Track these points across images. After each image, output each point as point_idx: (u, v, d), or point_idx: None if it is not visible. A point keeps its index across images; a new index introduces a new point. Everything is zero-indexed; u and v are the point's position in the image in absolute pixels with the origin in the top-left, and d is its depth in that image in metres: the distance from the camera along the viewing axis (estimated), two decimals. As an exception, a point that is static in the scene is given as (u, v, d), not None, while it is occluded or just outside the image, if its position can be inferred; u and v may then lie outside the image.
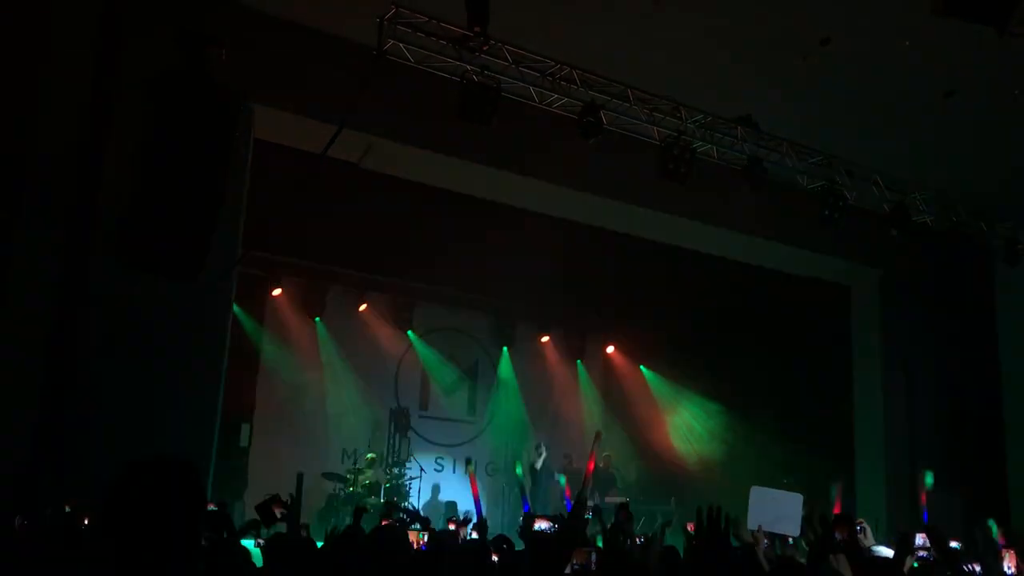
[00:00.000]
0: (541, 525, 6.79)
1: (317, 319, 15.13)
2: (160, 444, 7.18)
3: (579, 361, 18.06)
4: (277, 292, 14.73)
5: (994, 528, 8.89)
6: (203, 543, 2.03)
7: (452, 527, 8.22)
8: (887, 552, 3.94)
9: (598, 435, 7.45)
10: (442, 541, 5.79)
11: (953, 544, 6.51)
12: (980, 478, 13.36)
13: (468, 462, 13.51)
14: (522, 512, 10.36)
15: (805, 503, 6.14)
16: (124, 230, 7.04)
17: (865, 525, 7.64)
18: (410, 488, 14.67)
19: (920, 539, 6.28)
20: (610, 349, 18.32)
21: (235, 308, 14.13)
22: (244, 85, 7.94)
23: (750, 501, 6.52)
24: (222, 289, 8.67)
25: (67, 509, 5.90)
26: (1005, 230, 12.36)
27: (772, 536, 6.52)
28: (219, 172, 7.18)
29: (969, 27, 7.47)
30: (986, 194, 12.07)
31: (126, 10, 8.36)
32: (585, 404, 17.97)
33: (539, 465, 14.97)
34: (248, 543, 6.33)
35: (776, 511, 6.14)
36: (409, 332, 15.99)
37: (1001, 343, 13.89)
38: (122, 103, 8.14)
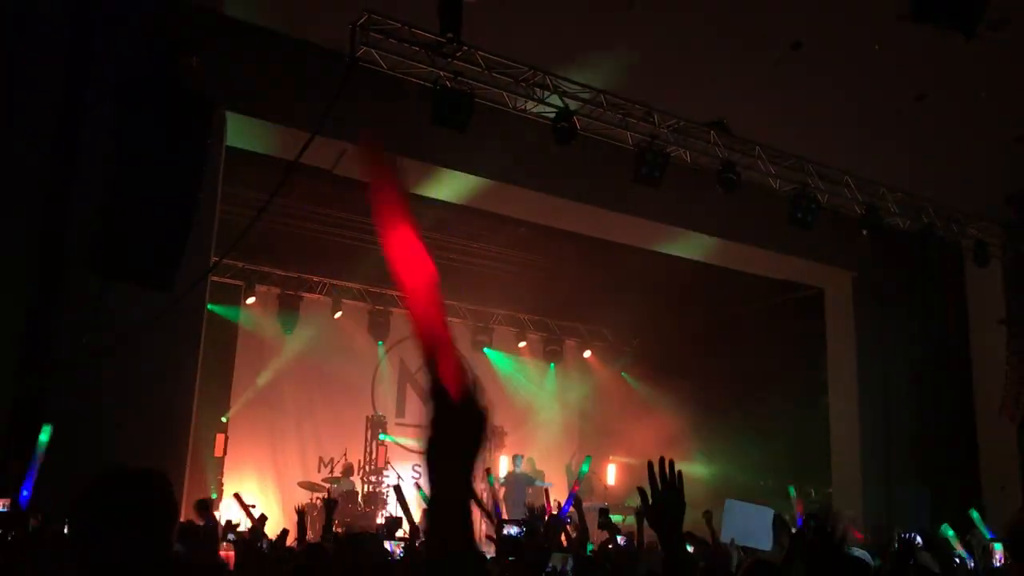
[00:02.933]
0: (511, 530, 6.76)
1: (291, 327, 15.05)
2: (133, 454, 7.10)
3: (552, 365, 18.09)
4: (251, 300, 14.65)
5: (977, 519, 8.97)
6: (175, 555, 1.99)
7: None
8: (861, 554, 3.96)
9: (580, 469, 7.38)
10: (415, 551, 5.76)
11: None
12: (953, 477, 13.50)
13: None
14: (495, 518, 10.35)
15: (776, 517, 6.17)
16: (97, 239, 6.96)
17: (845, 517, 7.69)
18: (388, 496, 14.61)
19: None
20: (587, 354, 18.37)
21: (233, 312, 14.21)
22: (217, 92, 7.89)
23: (724, 513, 6.54)
24: (195, 297, 8.58)
25: (32, 522, 5.81)
26: (975, 232, 12.51)
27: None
28: (192, 180, 7.12)
29: (939, 31, 7.58)
30: (956, 196, 12.22)
31: (98, 17, 8.28)
32: (562, 409, 18.00)
33: (516, 471, 15.01)
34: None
35: (748, 524, 6.16)
36: (380, 343, 15.94)
37: (972, 342, 14.07)
38: (94, 110, 8.06)
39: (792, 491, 11.06)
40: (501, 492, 14.95)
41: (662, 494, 2.25)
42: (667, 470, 2.27)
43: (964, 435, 13.79)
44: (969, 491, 12.96)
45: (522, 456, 15.26)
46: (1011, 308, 13.31)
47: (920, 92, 9.97)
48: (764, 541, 5.88)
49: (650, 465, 2.26)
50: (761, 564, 3.29)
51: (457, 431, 1.42)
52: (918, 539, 6.00)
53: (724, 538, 6.45)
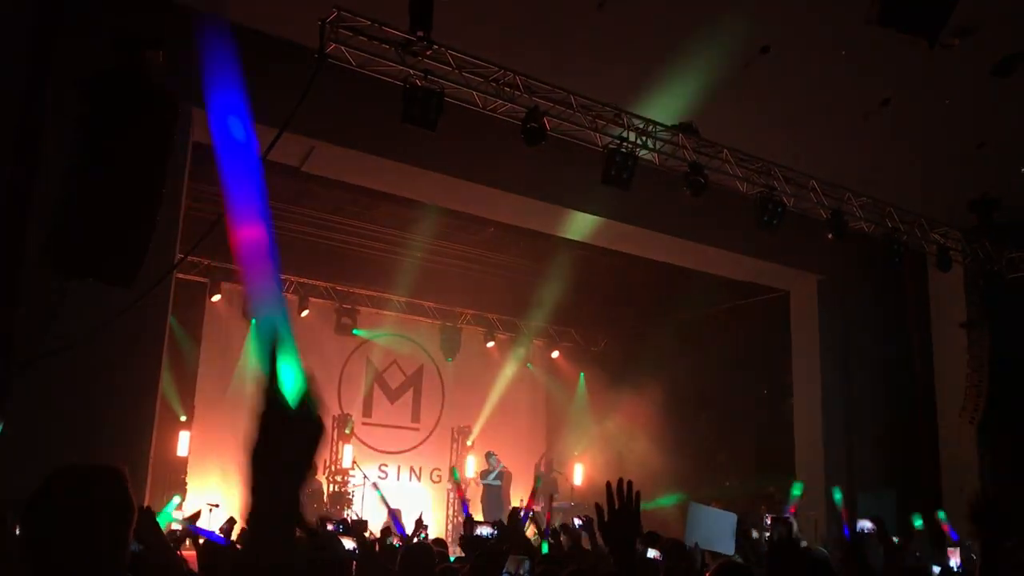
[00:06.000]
0: (482, 531, 6.76)
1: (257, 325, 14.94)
2: (95, 453, 7.00)
3: (529, 365, 18.12)
4: (216, 298, 14.51)
5: (943, 518, 9.08)
6: (132, 552, 1.95)
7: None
8: (819, 552, 3.99)
9: (534, 489, 7.41)
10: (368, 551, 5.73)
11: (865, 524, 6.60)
12: (914, 476, 13.69)
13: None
14: (463, 515, 10.37)
15: (739, 521, 6.23)
16: (58, 234, 6.85)
17: (793, 523, 7.77)
18: (353, 495, 14.55)
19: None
20: (555, 354, 18.41)
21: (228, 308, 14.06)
22: (182, 87, 7.80)
23: (688, 516, 6.58)
24: (159, 295, 8.48)
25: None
26: (938, 237, 12.68)
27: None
28: (156, 176, 7.03)
29: (903, 37, 7.65)
30: (920, 201, 12.37)
31: (60, 11, 8.16)
32: (531, 410, 18.02)
33: (491, 473, 15.02)
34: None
35: (711, 528, 6.21)
36: (355, 331, 15.87)
37: (935, 345, 14.27)
38: (56, 105, 7.94)
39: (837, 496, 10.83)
40: (480, 492, 14.98)
41: (618, 513, 2.30)
42: (625, 490, 2.32)
43: (926, 436, 13.98)
44: (930, 491, 13.15)
45: (495, 454, 15.27)
46: (971, 312, 13.51)
47: (885, 98, 10.09)
48: (727, 545, 5.93)
49: (608, 485, 2.32)
50: (729, 566, 3.30)
51: (289, 440, 1.34)
52: (866, 526, 6.08)
53: (688, 542, 6.49)
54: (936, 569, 6.92)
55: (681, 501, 14.65)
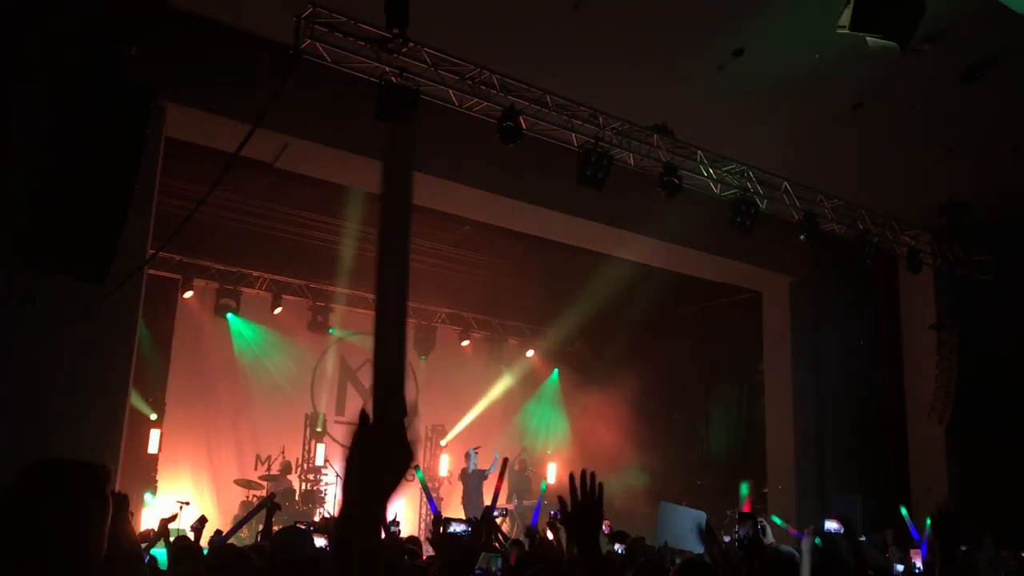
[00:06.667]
0: (456, 528, 6.76)
1: (230, 321, 14.85)
2: (65, 451, 6.92)
3: (503, 365, 18.12)
4: (189, 295, 14.40)
5: (905, 514, 9.18)
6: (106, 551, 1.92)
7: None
8: (789, 550, 4.03)
9: (505, 461, 7.46)
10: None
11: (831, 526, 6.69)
12: (882, 476, 13.84)
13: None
14: (431, 515, 10.36)
15: (708, 521, 6.27)
16: (28, 230, 6.78)
17: (765, 523, 7.84)
18: (326, 494, 14.49)
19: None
20: (529, 353, 18.43)
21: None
22: (156, 82, 7.73)
23: (659, 516, 6.62)
24: (130, 291, 8.40)
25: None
26: (908, 239, 12.83)
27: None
28: (128, 170, 6.97)
29: (876, 41, 7.73)
30: (891, 204, 12.51)
31: (32, 3, 8.06)
32: (504, 409, 18.03)
33: (470, 469, 15.02)
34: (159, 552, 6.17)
35: (681, 527, 6.25)
36: (331, 330, 15.81)
37: (905, 347, 14.43)
38: (26, 98, 7.84)
39: (744, 489, 11.06)
40: (462, 491, 14.97)
41: (581, 504, 2.33)
42: (588, 481, 2.35)
43: (896, 436, 14.14)
44: (899, 492, 13.29)
45: (476, 451, 15.25)
46: (941, 314, 13.69)
47: (857, 102, 10.19)
48: (696, 544, 5.98)
49: (571, 477, 2.34)
50: (693, 563, 3.33)
51: (383, 461, 1.47)
52: (832, 527, 6.15)
53: (658, 541, 6.53)
54: (899, 568, 6.99)
55: (646, 484, 14.75)
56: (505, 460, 7.63)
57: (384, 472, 1.46)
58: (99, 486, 1.92)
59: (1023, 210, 12.53)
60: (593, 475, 2.36)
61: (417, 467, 13.79)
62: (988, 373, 12.71)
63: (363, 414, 1.49)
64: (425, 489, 12.23)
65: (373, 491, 1.45)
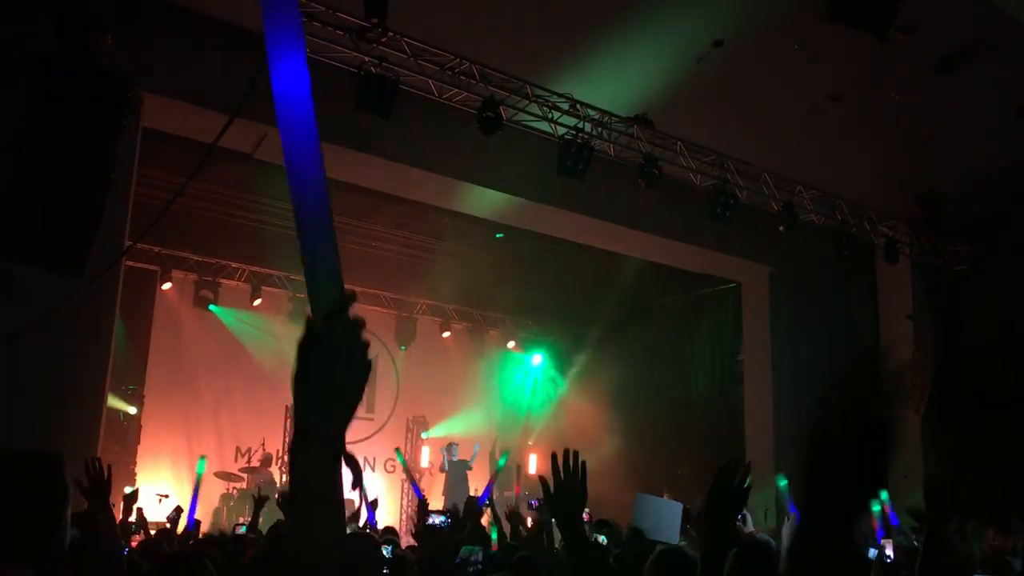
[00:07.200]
0: (435, 519, 6.76)
1: (211, 312, 14.76)
2: (41, 443, 6.88)
3: (483, 355, 18.12)
4: (167, 286, 14.31)
5: (885, 500, 9.21)
6: (69, 544, 1.91)
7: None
8: (767, 539, 4.07)
9: (519, 468, 7.45)
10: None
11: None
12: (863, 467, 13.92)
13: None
14: (414, 503, 10.36)
15: (685, 512, 6.32)
16: (3, 220, 6.72)
17: (745, 513, 7.90)
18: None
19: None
20: (511, 344, 18.44)
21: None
22: (133, 72, 7.66)
23: (635, 506, 6.65)
24: (108, 282, 8.34)
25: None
26: (886, 230, 12.93)
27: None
28: (104, 161, 6.93)
29: (854, 33, 7.78)
30: (869, 194, 12.60)
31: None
32: (485, 399, 18.03)
33: (452, 459, 15.01)
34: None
35: (658, 518, 6.29)
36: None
37: (882, 336, 14.54)
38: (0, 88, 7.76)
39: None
40: (444, 482, 14.97)
41: (564, 483, 2.31)
42: (571, 461, 2.33)
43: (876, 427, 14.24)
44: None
45: (457, 445, 15.27)
46: (918, 304, 13.81)
47: (835, 92, 10.23)
48: (672, 535, 6.02)
49: (553, 456, 2.33)
50: (669, 552, 3.35)
51: (338, 371, 1.23)
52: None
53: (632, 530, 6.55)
54: (872, 552, 7.04)
55: (625, 473, 14.80)
56: (519, 467, 7.59)
57: (341, 384, 1.22)
58: (52, 474, 1.91)
59: (999, 200, 12.63)
60: (576, 454, 2.35)
61: (398, 450, 13.78)
62: (964, 362, 12.84)
63: (308, 320, 1.26)
64: (407, 473, 12.19)
65: (330, 411, 1.20)
